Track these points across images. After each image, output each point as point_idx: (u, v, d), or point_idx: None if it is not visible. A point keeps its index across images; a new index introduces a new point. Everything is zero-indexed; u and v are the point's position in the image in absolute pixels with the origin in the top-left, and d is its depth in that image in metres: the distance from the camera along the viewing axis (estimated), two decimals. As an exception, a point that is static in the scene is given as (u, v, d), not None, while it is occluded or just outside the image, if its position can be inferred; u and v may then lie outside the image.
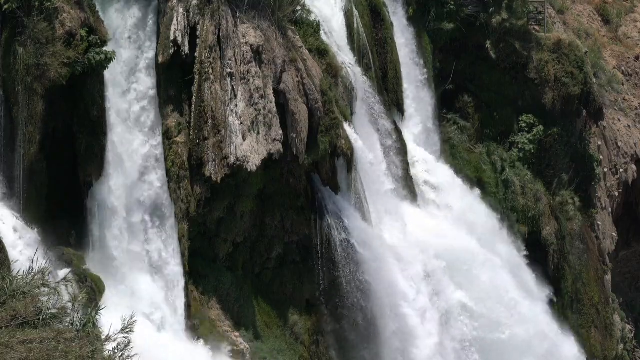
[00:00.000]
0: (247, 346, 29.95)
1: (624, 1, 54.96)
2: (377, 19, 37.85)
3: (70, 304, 13.46)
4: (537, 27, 44.55)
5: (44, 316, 12.89)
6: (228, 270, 30.77)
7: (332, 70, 33.55)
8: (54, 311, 12.98)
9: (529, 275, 40.26)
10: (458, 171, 40.22)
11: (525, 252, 40.64)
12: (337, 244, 32.15)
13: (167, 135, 28.92)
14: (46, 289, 13.22)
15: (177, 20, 28.65)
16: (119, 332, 12.30)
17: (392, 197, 35.76)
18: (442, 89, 41.59)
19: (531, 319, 38.15)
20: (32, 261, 13.94)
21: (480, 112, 42.60)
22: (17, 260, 22.16)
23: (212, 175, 28.84)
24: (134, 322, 12.44)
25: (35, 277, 13.12)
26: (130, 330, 12.44)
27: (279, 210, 31.73)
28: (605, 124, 47.42)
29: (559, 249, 42.53)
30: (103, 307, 14.82)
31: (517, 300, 37.95)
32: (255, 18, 30.36)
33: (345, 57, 35.21)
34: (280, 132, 29.83)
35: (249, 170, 29.12)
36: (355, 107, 34.94)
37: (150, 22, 28.71)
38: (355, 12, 36.27)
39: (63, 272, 24.28)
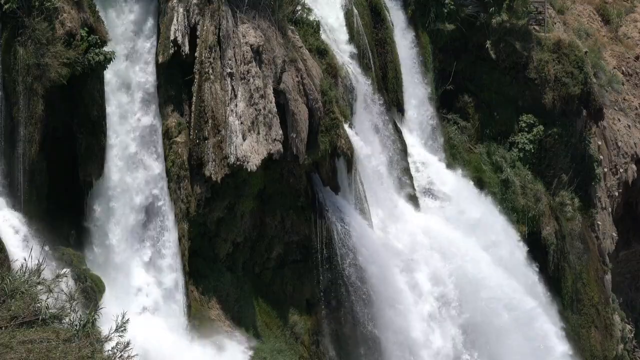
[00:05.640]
0: (247, 346, 29.96)
1: (624, 1, 54.98)
2: (377, 19, 37.87)
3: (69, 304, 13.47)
4: (537, 27, 44.55)
5: (44, 316, 12.91)
6: (228, 270, 30.77)
7: (332, 70, 33.55)
8: (53, 311, 13.00)
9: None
10: (458, 171, 40.20)
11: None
12: (337, 244, 32.16)
13: (167, 135, 28.92)
14: (42, 287, 13.23)
15: (177, 20, 28.66)
16: (113, 332, 12.32)
17: (392, 197, 35.77)
18: (442, 89, 41.58)
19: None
20: (25, 259, 13.96)
21: (480, 112, 42.59)
22: (17, 260, 22.17)
23: (212, 175, 28.85)
24: (127, 321, 12.45)
25: (32, 275, 13.13)
26: (124, 330, 12.45)
27: (279, 210, 31.74)
28: (605, 124, 47.43)
29: (559, 249, 42.53)
30: (102, 307, 14.82)
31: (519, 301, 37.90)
32: (255, 18, 30.37)
33: (345, 57, 35.22)
34: (280, 132, 29.84)
35: (249, 170, 29.13)
36: (355, 107, 34.94)
37: (150, 22, 28.73)
38: (355, 12, 36.27)
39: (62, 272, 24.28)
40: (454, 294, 35.75)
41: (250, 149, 29.14)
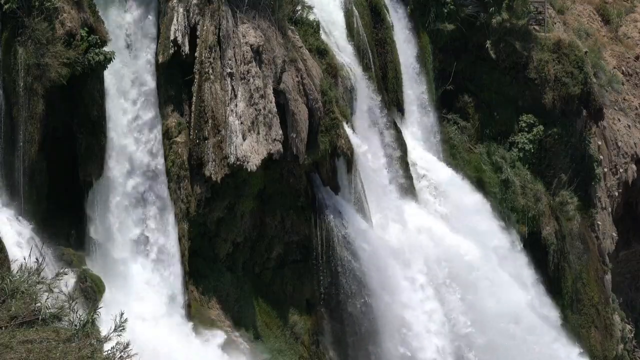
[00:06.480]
0: (247, 346, 29.96)
1: (624, 1, 54.96)
2: (377, 19, 37.87)
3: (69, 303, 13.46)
4: (537, 27, 44.55)
5: (43, 316, 12.91)
6: (228, 270, 30.78)
7: (332, 70, 33.56)
8: (53, 311, 13.00)
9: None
10: (458, 171, 40.21)
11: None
12: (337, 244, 32.17)
13: (167, 135, 28.93)
14: (42, 286, 13.24)
15: (177, 20, 28.66)
16: (112, 332, 12.33)
17: (392, 197, 35.77)
18: (442, 89, 41.57)
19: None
20: (24, 258, 13.98)
21: (480, 112, 42.58)
22: (16, 260, 22.17)
23: (212, 175, 28.85)
24: (126, 320, 12.47)
25: (32, 275, 13.13)
26: (122, 329, 12.47)
27: (279, 210, 31.75)
28: (605, 124, 47.41)
29: (559, 249, 42.52)
30: (101, 307, 14.82)
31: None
32: (255, 18, 30.37)
33: (345, 57, 35.22)
34: (280, 132, 29.85)
35: (249, 170, 29.14)
36: (355, 107, 34.95)
37: (150, 22, 28.73)
38: (355, 12, 36.28)
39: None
40: (454, 292, 35.77)
41: (250, 149, 29.14)
